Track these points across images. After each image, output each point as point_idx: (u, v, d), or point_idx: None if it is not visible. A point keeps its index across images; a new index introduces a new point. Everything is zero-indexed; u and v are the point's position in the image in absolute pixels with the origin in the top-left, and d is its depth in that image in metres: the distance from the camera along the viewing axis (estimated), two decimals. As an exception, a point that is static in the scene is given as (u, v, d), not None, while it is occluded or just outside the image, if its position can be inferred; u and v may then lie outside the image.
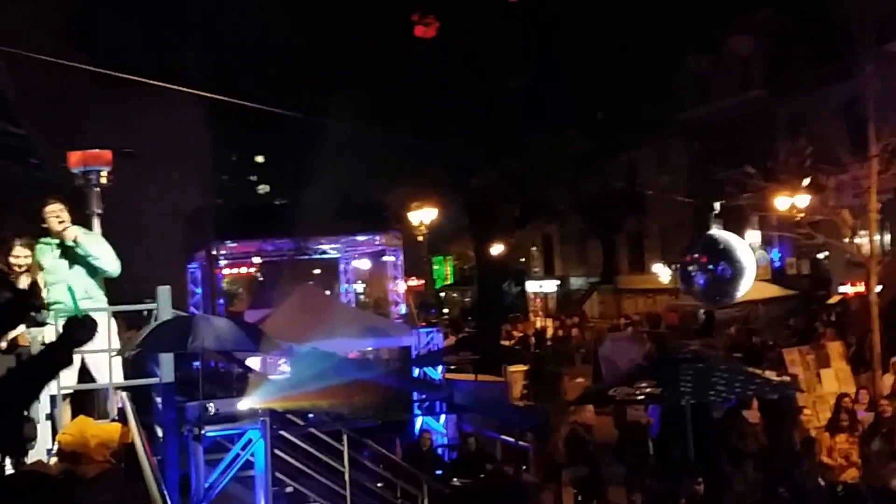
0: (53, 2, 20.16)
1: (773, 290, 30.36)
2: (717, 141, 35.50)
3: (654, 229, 42.17)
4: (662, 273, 39.82)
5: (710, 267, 11.53)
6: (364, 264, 38.26)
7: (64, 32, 19.56)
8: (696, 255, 11.85)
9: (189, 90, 12.79)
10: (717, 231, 11.73)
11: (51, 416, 8.36)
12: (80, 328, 4.52)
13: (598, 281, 46.14)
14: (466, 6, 25.34)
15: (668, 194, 36.69)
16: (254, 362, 15.72)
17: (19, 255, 7.92)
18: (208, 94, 13.46)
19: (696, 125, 37.36)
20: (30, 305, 6.57)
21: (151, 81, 10.43)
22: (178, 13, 22.94)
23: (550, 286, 50.60)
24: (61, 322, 8.34)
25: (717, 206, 12.00)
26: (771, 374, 15.74)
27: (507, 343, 30.09)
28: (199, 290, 25.99)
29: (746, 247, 11.99)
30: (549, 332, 36.91)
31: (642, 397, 12.00)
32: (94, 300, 8.71)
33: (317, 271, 42.98)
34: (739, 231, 21.14)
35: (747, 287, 11.70)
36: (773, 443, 14.68)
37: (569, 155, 27.55)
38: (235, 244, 26.34)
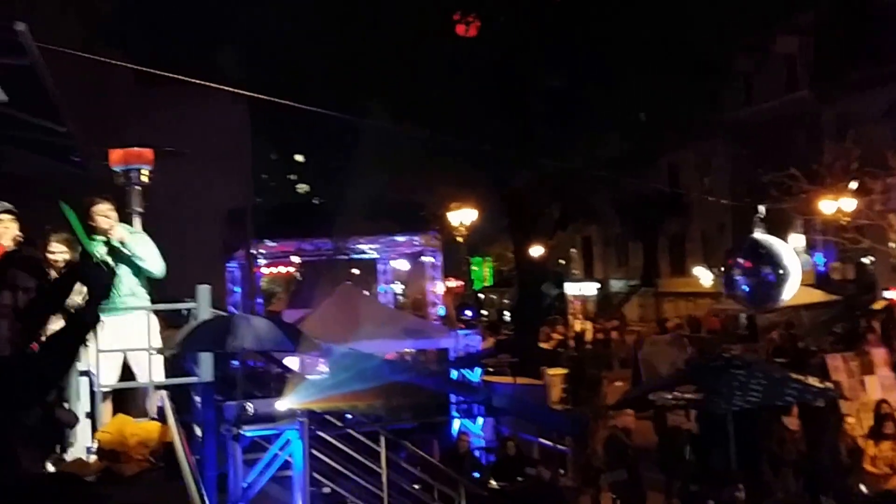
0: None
1: (816, 295, 29.90)
2: (760, 143, 35.12)
3: (696, 232, 41.83)
4: (704, 276, 39.46)
5: (754, 271, 11.35)
6: (403, 265, 38.32)
7: (104, 30, 19.71)
8: (740, 259, 11.67)
9: (230, 88, 12.81)
10: (760, 234, 11.53)
11: (91, 415, 8.38)
12: (91, 269, 4.05)
13: (639, 284, 45.83)
14: (505, 6, 25.19)
15: (710, 197, 36.38)
16: (292, 362, 15.74)
17: (55, 250, 7.94)
18: (249, 93, 13.52)
19: (739, 126, 36.96)
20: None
21: (193, 80, 10.45)
22: (218, 11, 23.04)
23: (590, 289, 50.34)
24: (105, 317, 8.37)
25: (761, 209, 11.82)
26: (814, 381, 15.50)
27: (545, 346, 29.95)
28: (237, 290, 26.12)
29: (791, 251, 11.79)
30: (589, 336, 36.69)
31: (682, 402, 11.88)
32: (137, 298, 8.77)
33: (355, 271, 43.09)
34: (783, 235, 20.87)
35: (792, 292, 11.50)
36: (813, 450, 14.46)
37: (609, 156, 27.24)
38: (274, 243, 26.43)
